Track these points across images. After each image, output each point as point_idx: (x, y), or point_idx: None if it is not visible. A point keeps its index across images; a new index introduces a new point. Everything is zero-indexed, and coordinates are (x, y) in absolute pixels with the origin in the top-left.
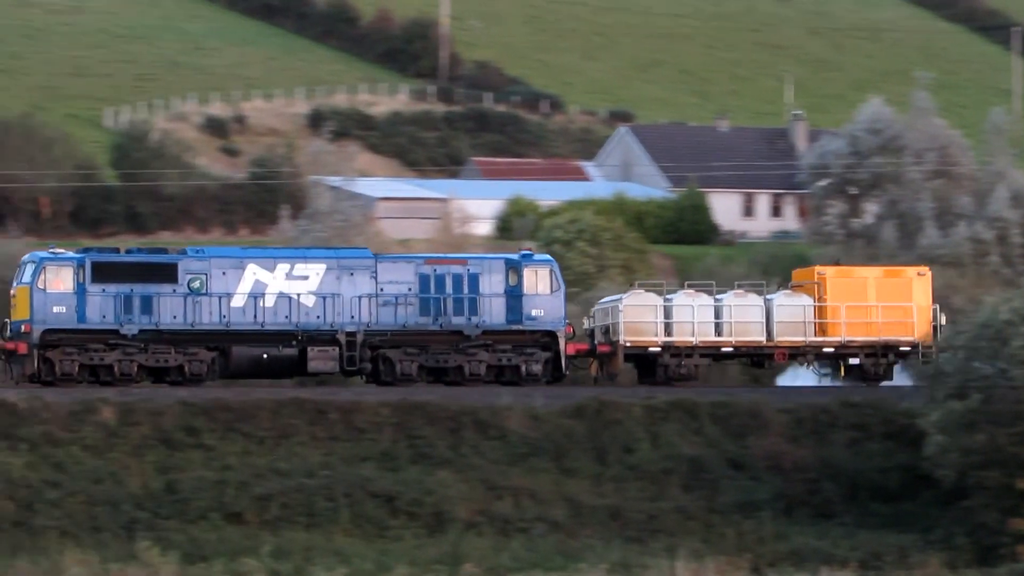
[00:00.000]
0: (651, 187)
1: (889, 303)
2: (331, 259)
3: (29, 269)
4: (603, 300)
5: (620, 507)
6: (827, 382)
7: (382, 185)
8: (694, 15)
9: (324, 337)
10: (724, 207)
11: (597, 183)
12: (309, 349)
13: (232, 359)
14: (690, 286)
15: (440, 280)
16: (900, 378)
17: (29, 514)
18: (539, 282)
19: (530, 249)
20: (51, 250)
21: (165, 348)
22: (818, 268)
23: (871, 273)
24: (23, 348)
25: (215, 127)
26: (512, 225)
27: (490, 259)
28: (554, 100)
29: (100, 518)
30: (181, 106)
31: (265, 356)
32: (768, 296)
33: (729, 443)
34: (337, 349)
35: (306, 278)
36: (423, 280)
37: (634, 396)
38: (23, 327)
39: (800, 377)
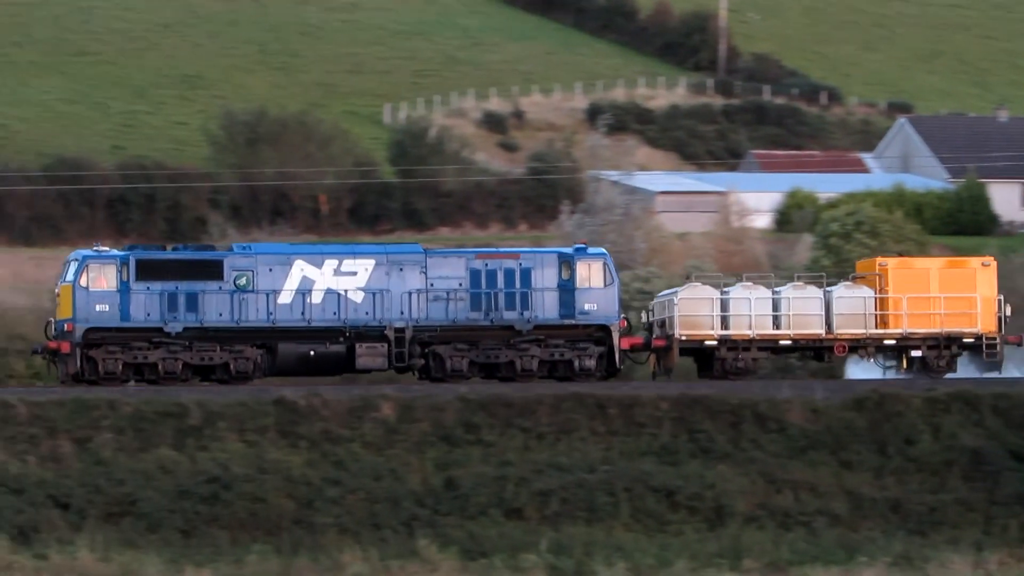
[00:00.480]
0: (930, 178)
1: (952, 294)
2: (380, 255)
3: (72, 267)
4: (661, 293)
5: (901, 500)
6: (892, 374)
7: (661, 179)
8: (972, 5)
9: (372, 333)
10: (1004, 198)
11: (876, 175)
12: (357, 346)
13: (279, 356)
14: (748, 278)
15: (491, 275)
16: (966, 370)
17: (309, 512)
18: (592, 276)
19: (584, 243)
20: (96, 248)
21: (210, 346)
22: (879, 259)
23: (934, 264)
24: (66, 347)
25: (493, 123)
26: (791, 218)
27: (543, 253)
28: (832, 92)
29: (380, 515)
30: (459, 102)
31: (312, 353)
32: (828, 288)
33: (1011, 435)
34: (386, 346)
35: (355, 274)
36: (474, 275)
37: (914, 388)
38: (66, 326)
39: (866, 370)
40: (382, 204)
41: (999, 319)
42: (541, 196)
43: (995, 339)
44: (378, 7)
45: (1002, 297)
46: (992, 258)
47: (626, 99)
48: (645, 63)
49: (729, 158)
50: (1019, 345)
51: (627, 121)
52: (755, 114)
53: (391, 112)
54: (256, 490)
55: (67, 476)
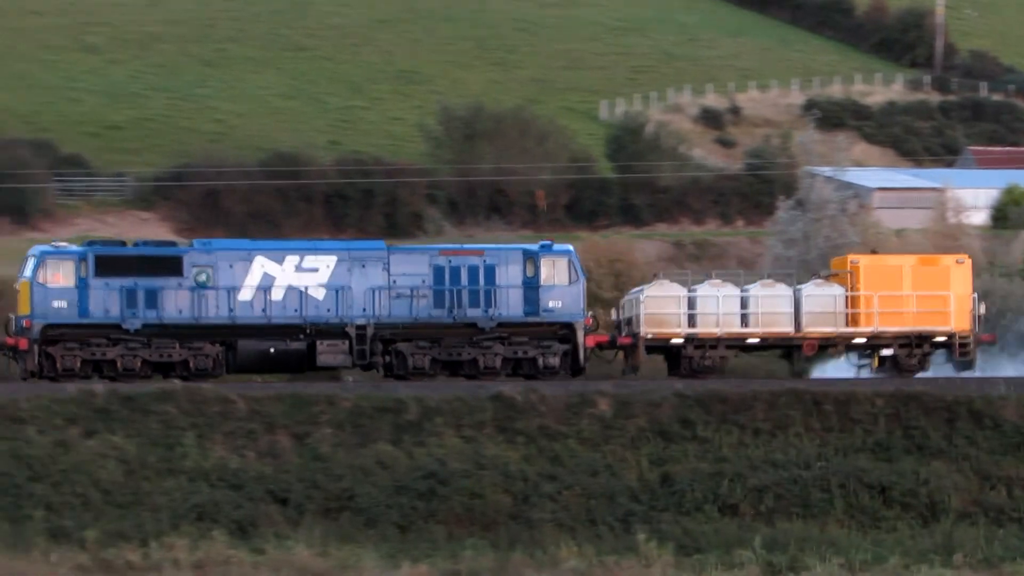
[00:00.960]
0: None
1: (924, 292)
2: (342, 251)
3: (30, 263)
4: (630, 292)
5: None
6: (866, 373)
7: (877, 175)
8: None
9: (334, 331)
10: None
11: None
12: (318, 343)
13: (239, 353)
14: (718, 276)
15: (455, 272)
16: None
17: (525, 507)
18: (556, 273)
19: (550, 240)
20: (54, 244)
21: (169, 342)
22: (851, 256)
23: (906, 261)
24: (24, 344)
25: (710, 118)
26: (1007, 214)
27: (507, 250)
28: None
29: (596, 511)
30: (676, 98)
31: (272, 350)
32: (798, 286)
33: None
34: (347, 343)
35: (316, 270)
36: (438, 272)
37: None
38: (24, 322)
39: (839, 369)
40: (599, 200)
41: (974, 318)
42: (758, 192)
43: (968, 338)
44: (595, 3)
45: (976, 295)
46: (967, 256)
47: (843, 95)
48: (861, 60)
49: (946, 154)
50: (992, 344)
51: (844, 117)
52: (972, 110)
53: (608, 108)
54: (473, 485)
55: (285, 471)
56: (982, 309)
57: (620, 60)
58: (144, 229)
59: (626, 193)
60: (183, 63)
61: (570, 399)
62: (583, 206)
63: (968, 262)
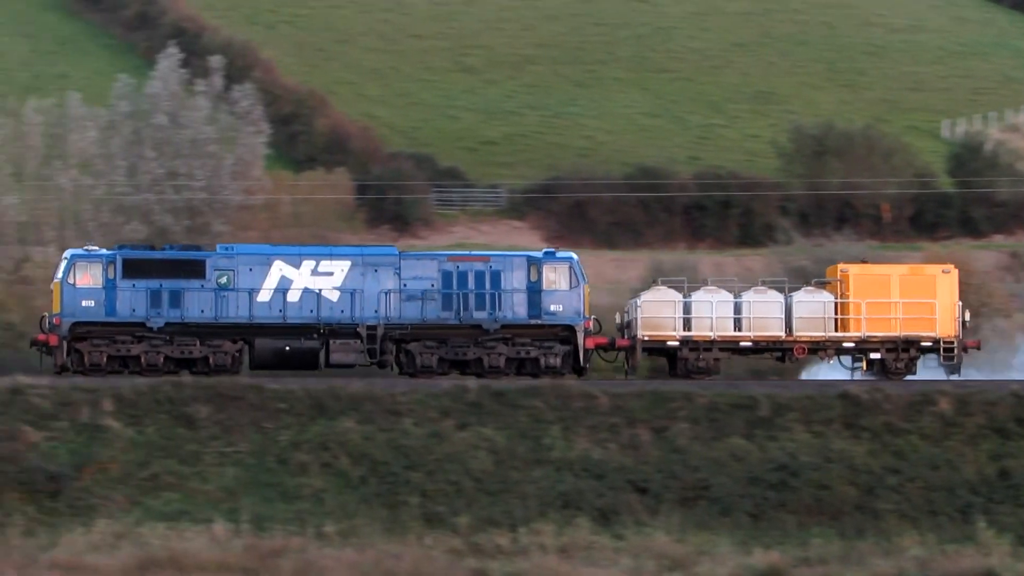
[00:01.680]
0: None
1: (911, 300)
2: (356, 256)
3: (63, 265)
4: (633, 297)
5: None
6: (858, 375)
7: None
8: None
9: (346, 330)
10: None
11: None
12: (331, 342)
13: (255, 350)
14: (714, 283)
15: (463, 276)
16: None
17: (870, 498)
18: (558, 278)
19: (553, 248)
20: (86, 248)
21: (190, 340)
22: (841, 265)
23: (895, 271)
24: (54, 340)
25: None
26: None
27: (512, 256)
28: None
29: (936, 502)
30: (1013, 118)
31: (287, 348)
32: (790, 293)
33: None
34: (359, 342)
35: (331, 274)
36: (446, 277)
37: None
38: (54, 320)
39: (832, 371)
40: (940, 212)
41: (959, 324)
42: None
43: (952, 343)
44: (938, 29)
45: (960, 303)
46: (952, 266)
47: None
48: None
49: None
50: (978, 349)
51: None
52: None
53: (949, 127)
54: (821, 477)
55: (645, 463)
56: (967, 316)
57: (961, 82)
58: (516, 237)
59: (965, 206)
60: (555, 83)
61: (912, 398)
62: (925, 218)
63: (954, 272)
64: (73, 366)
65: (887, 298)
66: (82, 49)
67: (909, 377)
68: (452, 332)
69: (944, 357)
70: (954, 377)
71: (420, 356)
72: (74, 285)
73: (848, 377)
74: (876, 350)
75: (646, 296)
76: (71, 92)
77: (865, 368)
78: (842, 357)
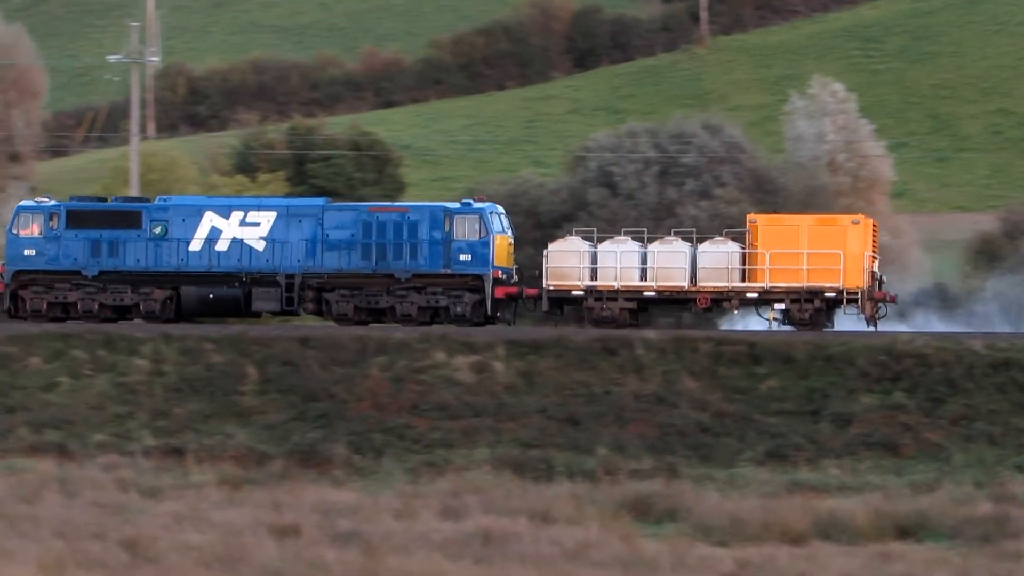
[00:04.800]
0: None
1: (816, 250)
2: (281, 207)
3: (11, 217)
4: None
5: None
6: (775, 326)
7: None
8: None
9: (267, 279)
10: None
11: None
12: (253, 290)
13: (182, 298)
14: (626, 233)
15: (382, 227)
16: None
17: None
18: (468, 229)
19: (470, 199)
20: (36, 200)
21: (123, 288)
22: (750, 216)
23: (804, 221)
24: (0, 287)
25: None
26: None
27: (427, 207)
28: None
29: None
30: None
31: (211, 296)
32: (696, 244)
33: None
34: (279, 290)
35: (258, 225)
36: (366, 227)
37: None
38: (0, 268)
39: (753, 322)
40: None
41: (871, 276)
42: None
43: (856, 294)
44: None
45: (869, 253)
46: (864, 216)
47: None
48: None
49: None
50: (893, 303)
51: None
52: None
53: None
54: None
55: None
56: (876, 267)
57: None
58: None
59: None
60: None
61: None
62: None
63: (866, 223)
64: (16, 313)
65: (794, 248)
66: None
67: (828, 329)
68: (367, 281)
69: (845, 308)
70: (870, 329)
71: (336, 304)
72: (17, 235)
73: (767, 328)
74: (780, 300)
75: (553, 246)
76: None
77: (772, 318)
78: (761, 309)
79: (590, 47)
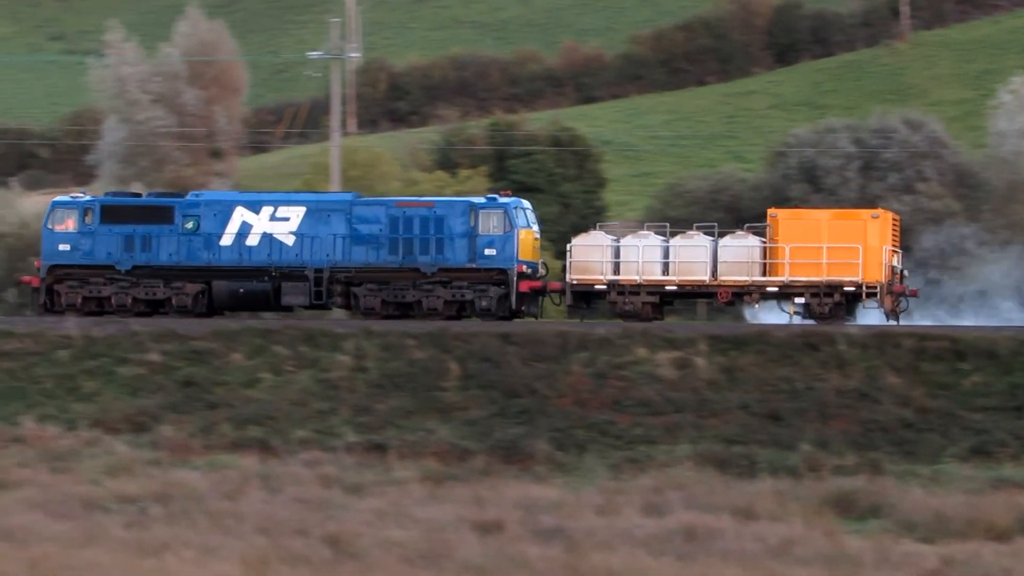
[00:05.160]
0: None
1: (835, 244)
2: (311, 202)
3: (46, 212)
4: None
5: None
6: (797, 320)
7: None
8: None
9: (296, 273)
10: None
11: None
12: (283, 284)
13: (213, 292)
14: (649, 227)
15: (408, 221)
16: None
17: None
18: (493, 224)
19: (496, 194)
20: (72, 195)
21: (156, 282)
22: (771, 210)
23: (824, 215)
24: (35, 282)
25: None
26: None
27: (454, 201)
28: None
29: None
30: None
31: (242, 290)
32: (718, 238)
33: None
34: (307, 284)
35: (287, 219)
36: (393, 221)
37: None
38: (35, 263)
39: (775, 316)
40: None
41: (891, 270)
42: None
43: (875, 288)
44: None
45: (888, 247)
46: (883, 210)
47: None
48: None
49: None
50: (915, 296)
51: None
52: None
53: None
54: None
55: None
56: (896, 261)
57: None
58: None
59: None
60: None
61: None
62: None
63: (885, 216)
64: (53, 307)
65: (814, 243)
66: None
67: (850, 322)
68: (394, 275)
69: (864, 302)
70: (891, 323)
71: (363, 298)
72: (53, 230)
73: (788, 322)
74: (800, 294)
75: (577, 240)
76: None
77: (792, 312)
78: (782, 303)
79: (790, 42)
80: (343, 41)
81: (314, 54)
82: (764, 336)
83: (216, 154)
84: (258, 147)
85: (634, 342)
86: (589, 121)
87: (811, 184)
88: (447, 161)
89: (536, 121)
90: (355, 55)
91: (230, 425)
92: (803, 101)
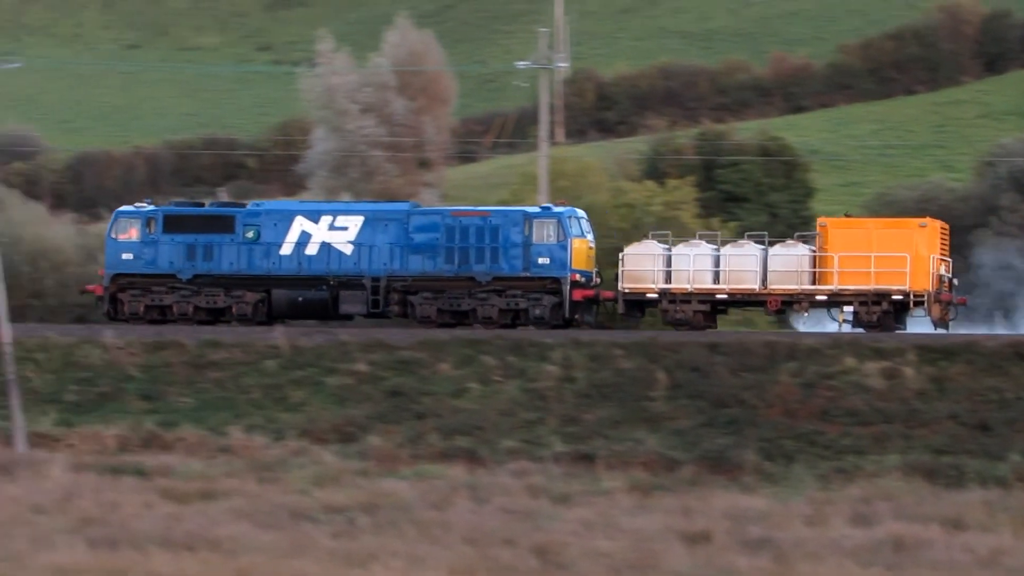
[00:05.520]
0: None
1: (883, 253)
2: (369, 212)
3: (109, 222)
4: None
5: None
6: (847, 328)
7: None
8: None
9: (354, 282)
10: None
11: None
12: (341, 293)
13: (272, 300)
14: (701, 237)
15: (464, 231)
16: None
17: None
18: (547, 233)
19: (551, 204)
20: (136, 205)
21: (216, 291)
22: (820, 219)
23: (873, 224)
24: (99, 290)
25: None
26: None
27: (508, 212)
28: None
29: None
30: None
31: (300, 299)
32: (768, 247)
33: None
34: (365, 293)
35: (345, 229)
36: (449, 231)
37: None
38: (99, 271)
39: (824, 324)
40: None
41: (939, 279)
42: None
43: (923, 296)
44: None
45: (935, 256)
46: (931, 220)
47: None
48: None
49: None
50: (963, 305)
51: None
52: None
53: None
54: None
55: None
56: (943, 270)
57: None
58: None
59: None
60: None
61: None
62: None
63: (933, 225)
64: (117, 315)
65: (862, 252)
66: None
67: (900, 330)
68: (449, 284)
69: (912, 311)
70: (940, 331)
71: (420, 307)
72: (116, 239)
73: (837, 330)
74: (849, 303)
75: (629, 249)
76: None
77: (841, 320)
78: (832, 311)
79: (1000, 51)
80: (551, 51)
81: (522, 64)
82: (973, 346)
83: (424, 164)
84: (466, 157)
85: (843, 352)
86: (797, 131)
87: (1020, 193)
88: (655, 171)
89: (744, 131)
90: (563, 65)
91: (438, 435)
92: (1012, 110)
